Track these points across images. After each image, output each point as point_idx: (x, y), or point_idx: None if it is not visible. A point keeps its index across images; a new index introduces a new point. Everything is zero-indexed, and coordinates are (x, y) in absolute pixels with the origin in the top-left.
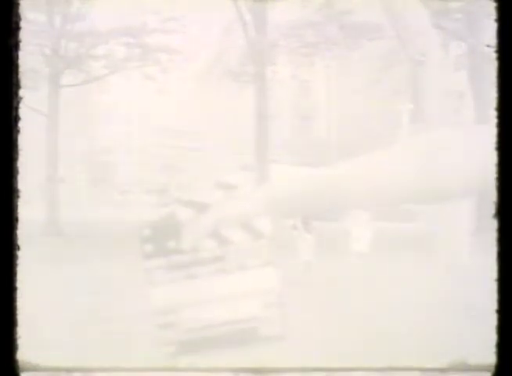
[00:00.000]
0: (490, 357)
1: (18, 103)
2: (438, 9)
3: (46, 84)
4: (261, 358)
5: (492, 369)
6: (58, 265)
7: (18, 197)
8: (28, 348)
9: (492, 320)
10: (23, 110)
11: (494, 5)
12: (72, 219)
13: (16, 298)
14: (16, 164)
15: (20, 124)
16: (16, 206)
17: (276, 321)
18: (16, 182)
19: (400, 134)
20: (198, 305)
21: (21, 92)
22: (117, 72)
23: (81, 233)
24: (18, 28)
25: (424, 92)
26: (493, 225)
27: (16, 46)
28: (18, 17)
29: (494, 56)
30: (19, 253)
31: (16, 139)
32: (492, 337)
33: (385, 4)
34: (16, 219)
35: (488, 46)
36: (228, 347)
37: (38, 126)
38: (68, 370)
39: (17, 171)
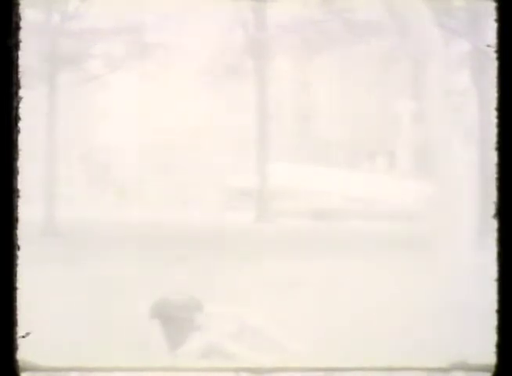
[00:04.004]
0: (490, 357)
1: (18, 102)
2: (440, 8)
3: (46, 83)
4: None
5: (492, 369)
6: (57, 265)
7: (18, 196)
8: (28, 348)
9: (492, 320)
10: (23, 110)
11: (494, 5)
12: (71, 219)
13: (16, 298)
14: (16, 164)
15: (20, 124)
16: (16, 206)
17: None
18: (16, 182)
19: (402, 132)
20: None
21: (21, 92)
22: (116, 70)
23: (79, 232)
24: (18, 28)
25: (426, 90)
26: (493, 225)
27: (16, 46)
28: (18, 17)
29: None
30: (19, 253)
31: (16, 139)
32: (492, 337)
33: (387, 2)
34: (16, 219)
35: (488, 46)
36: None
37: (38, 126)
38: (68, 370)
39: (17, 171)
